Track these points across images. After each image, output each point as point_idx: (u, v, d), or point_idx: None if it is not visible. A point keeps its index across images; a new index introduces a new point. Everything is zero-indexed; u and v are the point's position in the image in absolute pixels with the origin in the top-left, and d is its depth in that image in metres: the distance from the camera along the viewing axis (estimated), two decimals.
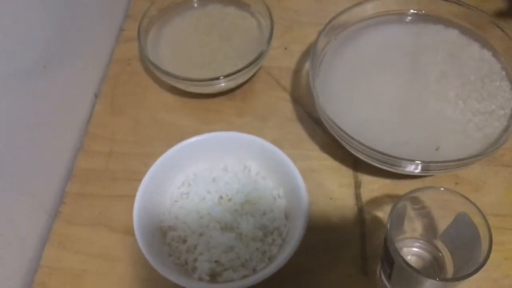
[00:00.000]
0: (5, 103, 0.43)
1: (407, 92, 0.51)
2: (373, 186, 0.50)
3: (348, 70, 0.53)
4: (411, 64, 0.53)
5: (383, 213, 0.49)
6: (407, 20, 0.56)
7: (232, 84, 0.55)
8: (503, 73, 0.51)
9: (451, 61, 0.52)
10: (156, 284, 0.46)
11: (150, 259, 0.41)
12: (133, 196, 0.50)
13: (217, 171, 0.48)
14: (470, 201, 0.38)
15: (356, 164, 0.52)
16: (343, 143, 0.48)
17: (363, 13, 0.56)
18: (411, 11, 0.56)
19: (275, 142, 0.53)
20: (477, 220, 0.38)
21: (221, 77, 0.52)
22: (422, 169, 0.45)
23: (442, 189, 0.39)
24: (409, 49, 0.54)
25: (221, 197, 0.46)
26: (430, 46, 0.54)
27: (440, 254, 0.44)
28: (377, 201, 0.50)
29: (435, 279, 0.36)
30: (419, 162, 0.43)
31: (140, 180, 0.50)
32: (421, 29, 0.55)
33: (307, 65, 0.59)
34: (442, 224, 0.42)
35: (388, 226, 0.38)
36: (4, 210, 0.44)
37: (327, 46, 0.54)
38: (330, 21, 0.53)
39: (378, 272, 0.45)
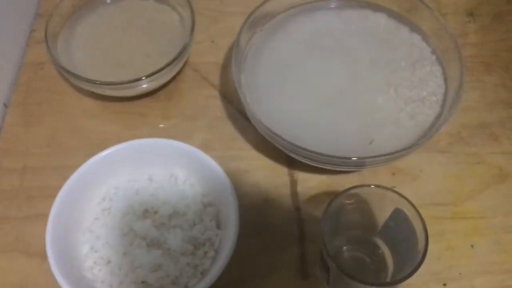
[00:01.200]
0: None
1: (338, 83, 0.49)
2: (310, 184, 0.48)
3: (275, 63, 0.50)
4: (341, 52, 0.51)
5: (321, 211, 0.47)
6: (333, 6, 0.54)
7: (154, 84, 0.51)
8: (433, 57, 0.49)
9: (380, 47, 0.51)
10: None
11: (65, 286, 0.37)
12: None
13: (141, 182, 0.44)
14: (404, 197, 0.37)
15: (290, 162, 0.49)
16: (275, 144, 0.45)
17: (289, 0, 0.53)
18: None
19: (205, 143, 0.50)
20: (412, 216, 0.36)
21: (142, 78, 0.48)
22: (357, 165, 0.43)
23: (372, 186, 0.37)
24: (338, 36, 0.52)
25: (146, 211, 0.43)
26: (359, 32, 0.52)
27: (380, 251, 0.42)
28: (315, 199, 0.47)
29: (372, 285, 0.34)
30: (354, 159, 0.41)
31: None
32: (349, 15, 0.53)
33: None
34: (380, 220, 0.40)
35: (321, 230, 0.36)
36: None
37: (252, 38, 0.51)
38: (253, 11, 0.50)
39: (318, 276, 0.43)
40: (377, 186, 0.37)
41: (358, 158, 0.42)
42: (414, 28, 0.51)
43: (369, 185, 0.37)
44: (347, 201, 0.39)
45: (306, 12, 0.53)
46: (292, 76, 0.49)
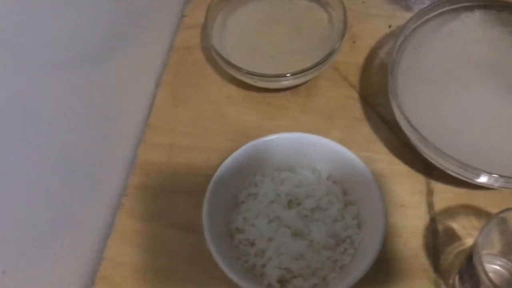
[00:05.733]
0: (64, 94, 0.41)
1: (494, 100, 0.48)
2: (446, 195, 0.48)
3: (431, 67, 0.50)
4: (497, 65, 0.50)
5: (457, 224, 0.47)
6: None
7: (299, 81, 0.52)
8: None
9: None
10: (218, 284, 0.45)
11: (220, 262, 0.40)
12: (195, 192, 0.48)
13: (286, 173, 0.46)
14: None
15: (428, 170, 0.49)
16: (419, 149, 0.45)
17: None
18: None
19: (342, 142, 0.51)
20: None
21: (290, 74, 0.50)
22: (504, 183, 0.42)
23: None
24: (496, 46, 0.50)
25: (290, 201, 0.45)
26: None
27: None
28: (451, 211, 0.47)
29: None
30: (495, 176, 0.41)
31: (202, 175, 0.49)
32: None
33: (377, 61, 0.57)
34: None
35: (477, 245, 0.36)
36: (69, 201, 0.43)
37: (408, 40, 0.51)
38: (419, 13, 0.50)
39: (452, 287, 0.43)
40: None
41: (501, 176, 0.41)
42: None
43: None
44: (503, 223, 0.38)
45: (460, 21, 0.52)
46: (447, 83, 0.49)
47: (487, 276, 0.35)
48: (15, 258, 0.36)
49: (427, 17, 0.51)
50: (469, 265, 0.38)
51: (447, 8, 0.51)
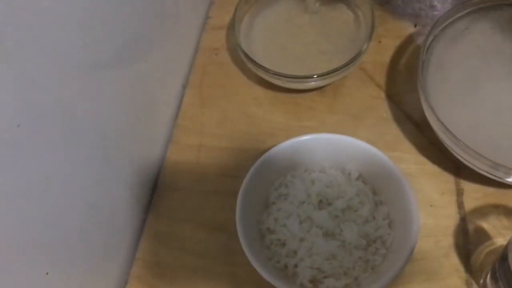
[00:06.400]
0: (93, 97, 0.41)
1: None
2: (476, 195, 0.48)
3: (461, 66, 0.50)
4: None
5: (487, 224, 0.47)
6: None
7: (327, 81, 0.53)
8: None
9: None
10: (248, 284, 0.45)
11: (255, 263, 0.40)
12: (224, 193, 0.49)
13: (316, 173, 0.47)
14: None
15: (457, 170, 0.49)
16: (449, 148, 0.45)
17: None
18: None
19: (369, 142, 0.51)
20: None
21: (318, 75, 0.50)
22: None
23: None
24: None
25: (321, 201, 0.45)
26: None
27: None
28: (481, 211, 0.47)
29: None
30: None
31: (231, 176, 0.50)
32: None
33: (403, 60, 0.57)
34: None
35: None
36: (104, 203, 0.44)
37: (436, 39, 0.51)
38: (448, 12, 0.50)
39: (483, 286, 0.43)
40: None
41: None
42: None
43: None
44: None
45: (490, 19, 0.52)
46: (472, 85, 0.49)
47: None
48: (57, 260, 0.37)
49: (456, 16, 0.51)
50: (503, 264, 0.38)
51: (476, 7, 0.51)
